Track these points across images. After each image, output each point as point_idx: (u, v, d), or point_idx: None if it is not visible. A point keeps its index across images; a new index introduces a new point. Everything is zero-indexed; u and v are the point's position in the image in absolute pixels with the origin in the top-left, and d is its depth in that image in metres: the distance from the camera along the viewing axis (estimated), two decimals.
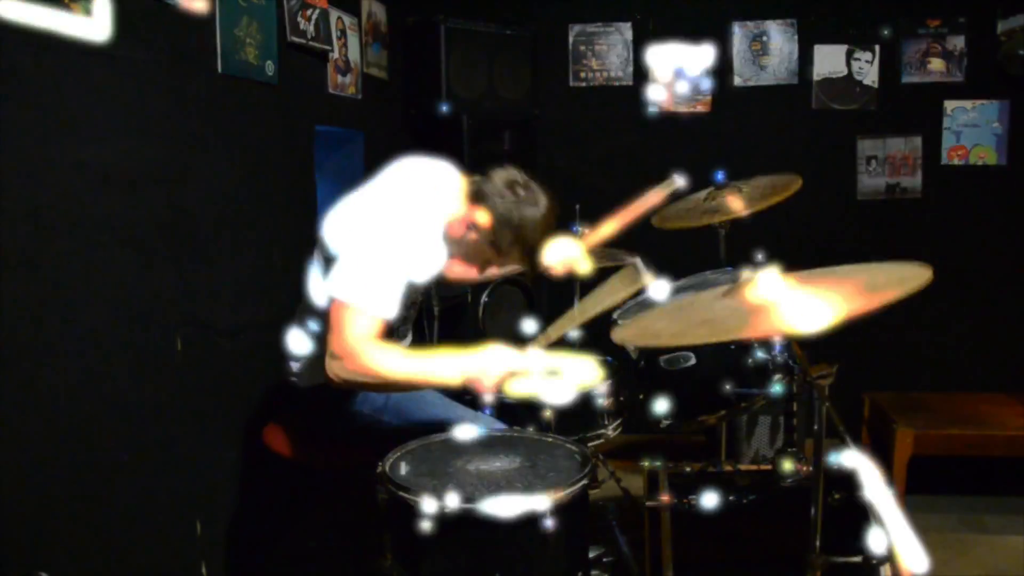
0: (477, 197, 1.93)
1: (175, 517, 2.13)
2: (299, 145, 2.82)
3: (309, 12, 2.78)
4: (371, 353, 1.78)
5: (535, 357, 1.83)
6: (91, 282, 1.82)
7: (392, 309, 1.82)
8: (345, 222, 1.91)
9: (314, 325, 2.12)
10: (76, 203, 1.78)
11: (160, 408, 2.05)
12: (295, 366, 2.14)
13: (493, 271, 2.10)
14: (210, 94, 2.27)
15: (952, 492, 3.28)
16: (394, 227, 1.86)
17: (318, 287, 2.03)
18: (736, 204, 2.64)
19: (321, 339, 2.06)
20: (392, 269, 1.82)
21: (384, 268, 1.81)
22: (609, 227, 2.39)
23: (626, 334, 1.60)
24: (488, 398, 1.83)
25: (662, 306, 1.67)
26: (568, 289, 2.99)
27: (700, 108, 3.92)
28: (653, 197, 2.41)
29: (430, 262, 1.96)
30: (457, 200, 1.98)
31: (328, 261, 1.90)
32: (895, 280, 1.35)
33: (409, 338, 2.29)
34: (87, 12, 1.77)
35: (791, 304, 1.37)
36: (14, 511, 1.62)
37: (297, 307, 2.14)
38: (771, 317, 1.36)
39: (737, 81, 3.88)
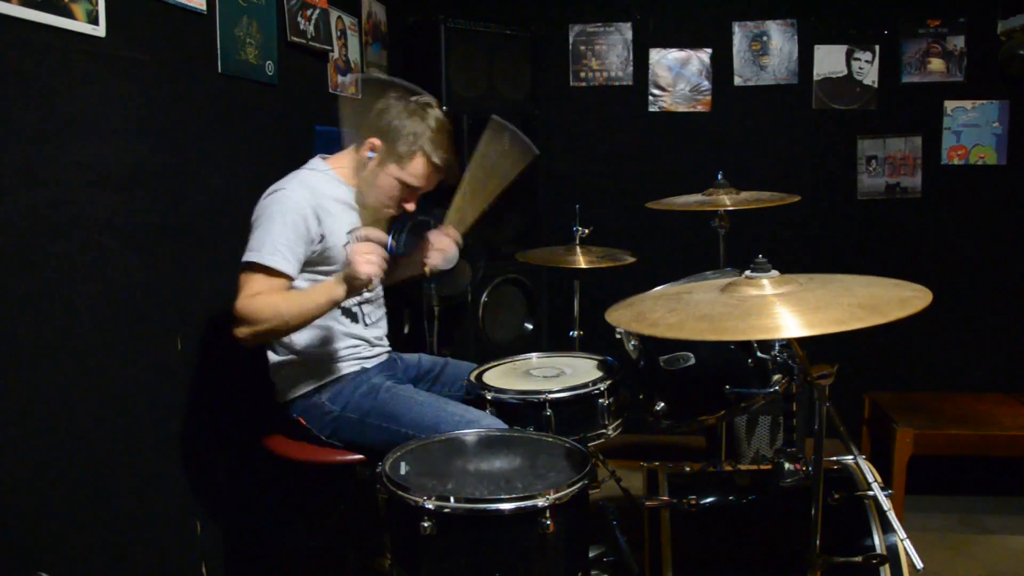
0: (367, 130, 2.10)
1: (175, 517, 2.13)
2: (299, 145, 2.82)
3: (309, 12, 2.78)
4: (254, 301, 1.90)
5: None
6: (91, 282, 1.83)
7: (278, 258, 1.92)
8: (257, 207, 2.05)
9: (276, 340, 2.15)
10: (76, 203, 1.78)
11: (160, 408, 2.06)
12: (274, 381, 2.17)
13: (410, 190, 2.13)
14: (210, 94, 2.27)
15: (952, 492, 3.28)
16: (279, 190, 2.01)
17: None
18: (729, 202, 2.65)
19: (284, 351, 2.10)
20: (278, 221, 1.95)
21: (270, 222, 1.95)
22: (466, 207, 2.36)
23: (621, 317, 1.57)
24: (375, 273, 1.89)
25: (660, 295, 1.65)
26: (568, 288, 2.99)
27: (700, 108, 3.92)
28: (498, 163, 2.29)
29: (320, 208, 2.04)
30: (346, 159, 2.16)
31: None
32: (895, 301, 1.34)
33: (382, 320, 2.32)
34: (87, 12, 1.77)
35: (790, 310, 1.37)
36: (14, 511, 1.62)
37: None
38: (770, 321, 1.35)
39: (737, 81, 3.88)
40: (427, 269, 2.26)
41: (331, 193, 2.10)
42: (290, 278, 1.96)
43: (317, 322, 2.03)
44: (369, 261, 1.86)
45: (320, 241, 2.03)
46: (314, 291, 1.96)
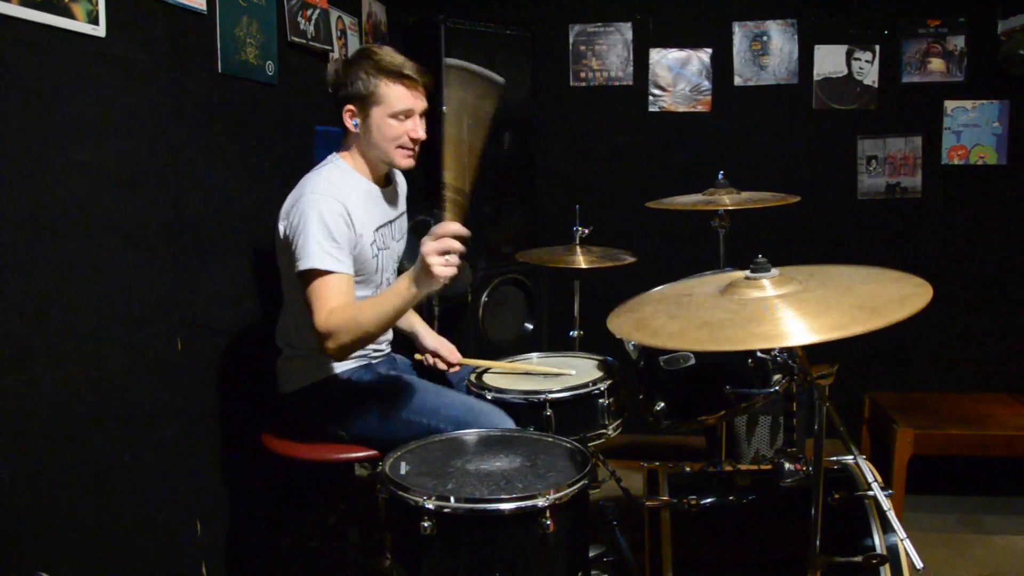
0: (339, 104, 2.13)
1: (175, 517, 2.13)
2: (299, 145, 2.82)
3: (309, 12, 2.78)
4: (333, 317, 1.89)
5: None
6: (91, 282, 1.82)
7: (332, 261, 1.93)
8: (287, 212, 2.05)
9: (286, 330, 2.16)
10: (76, 203, 1.78)
11: (160, 408, 2.05)
12: (279, 373, 2.18)
13: (406, 119, 2.13)
14: (210, 94, 2.27)
15: (952, 492, 3.28)
16: (311, 194, 2.01)
17: (287, 285, 2.08)
18: (729, 201, 2.65)
19: (291, 343, 2.11)
20: (317, 223, 1.95)
21: (310, 226, 1.94)
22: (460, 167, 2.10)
23: (622, 324, 1.57)
24: (450, 275, 1.79)
25: (660, 298, 1.64)
26: (568, 288, 3.00)
27: (700, 108, 3.92)
28: None
29: (348, 205, 2.04)
30: (349, 151, 2.17)
31: (289, 254, 2.01)
32: (895, 301, 1.34)
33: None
34: (87, 12, 1.77)
35: (791, 316, 1.36)
36: (14, 511, 1.62)
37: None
38: (770, 329, 1.35)
39: (737, 81, 3.88)
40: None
41: (355, 189, 2.11)
42: (350, 275, 1.99)
43: None
44: (445, 262, 1.76)
45: (353, 235, 2.04)
46: (387, 297, 1.89)
